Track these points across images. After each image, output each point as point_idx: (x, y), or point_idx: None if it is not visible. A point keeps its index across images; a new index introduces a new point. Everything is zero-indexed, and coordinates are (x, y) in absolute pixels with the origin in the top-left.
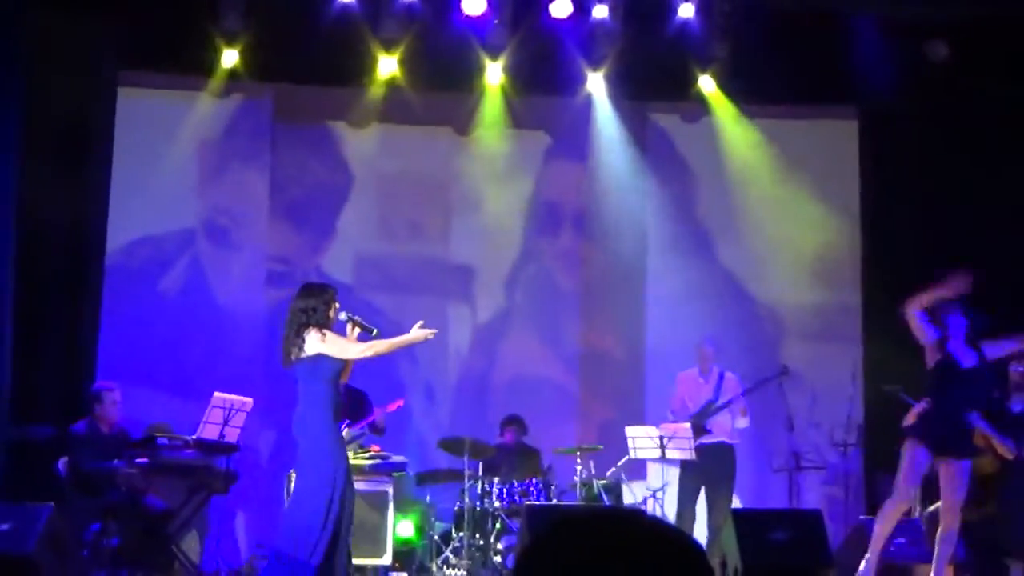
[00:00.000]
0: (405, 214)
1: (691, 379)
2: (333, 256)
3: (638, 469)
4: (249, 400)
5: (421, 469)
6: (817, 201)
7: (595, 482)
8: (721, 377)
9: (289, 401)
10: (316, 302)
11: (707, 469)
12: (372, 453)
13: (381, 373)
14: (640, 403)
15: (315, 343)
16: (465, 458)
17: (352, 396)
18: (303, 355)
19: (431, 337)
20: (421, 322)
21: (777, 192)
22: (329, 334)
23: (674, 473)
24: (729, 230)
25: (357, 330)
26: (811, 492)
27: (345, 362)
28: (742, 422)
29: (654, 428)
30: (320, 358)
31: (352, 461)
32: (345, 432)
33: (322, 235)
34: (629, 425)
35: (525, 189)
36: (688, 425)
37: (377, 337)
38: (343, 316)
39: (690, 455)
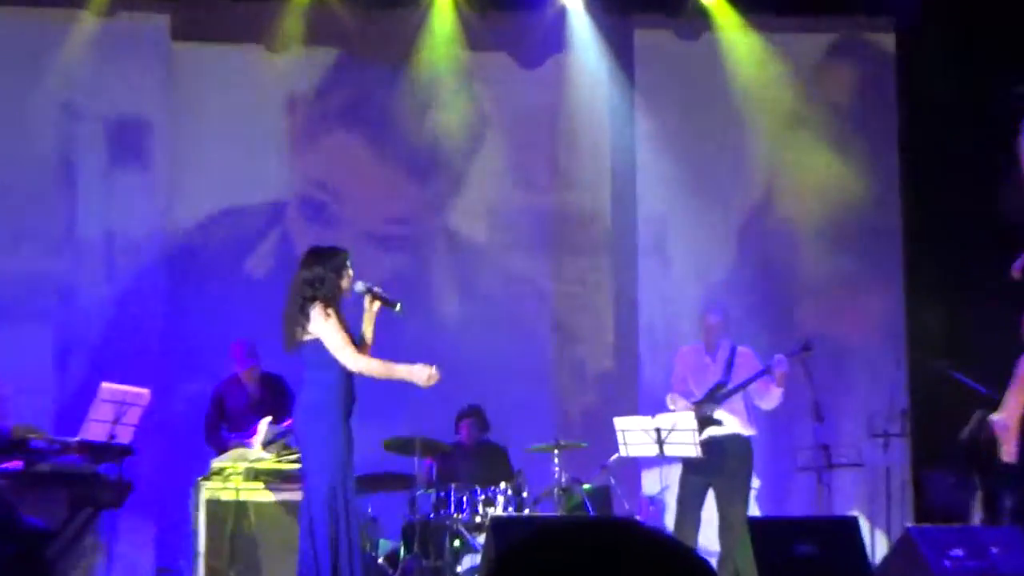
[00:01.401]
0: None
1: (694, 356)
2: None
3: (631, 470)
4: (145, 392)
5: (360, 473)
6: (845, 136)
7: (577, 487)
8: (733, 352)
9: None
10: (324, 270)
11: (717, 468)
12: (299, 456)
13: None
14: (632, 388)
15: (320, 321)
16: (416, 460)
17: (269, 385)
18: (307, 336)
19: (433, 382)
20: (433, 368)
21: (794, 125)
22: (333, 316)
23: (676, 474)
24: (736, 173)
25: (377, 304)
26: (845, 495)
27: (357, 340)
28: (771, 399)
29: (650, 419)
30: (319, 343)
31: (273, 466)
32: (263, 431)
33: None
34: (619, 416)
35: (481, 127)
36: (692, 414)
37: (401, 312)
38: (359, 287)
39: (695, 451)
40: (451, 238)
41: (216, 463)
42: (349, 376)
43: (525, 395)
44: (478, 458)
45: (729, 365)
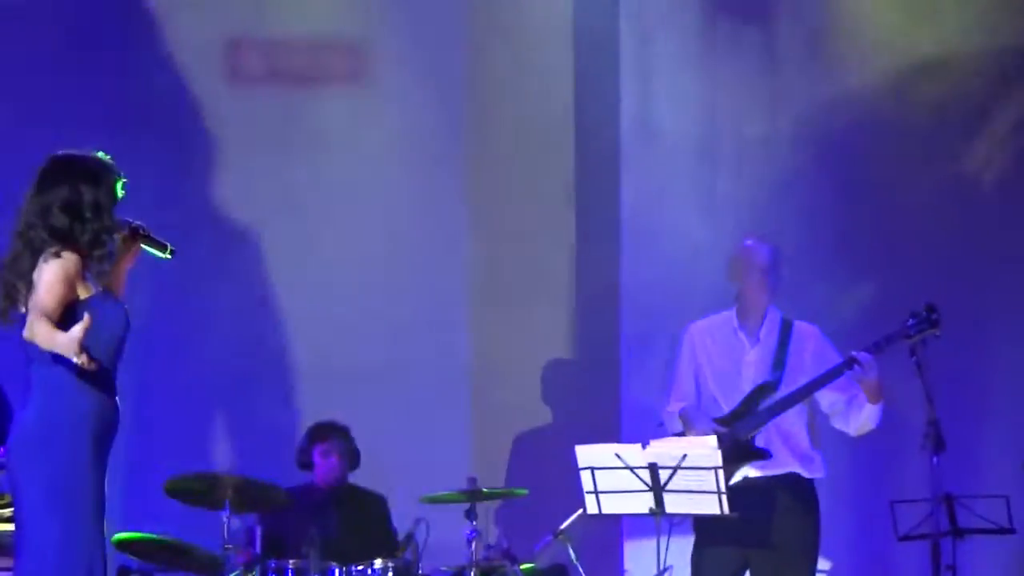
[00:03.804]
0: None
1: (718, 336)
2: None
3: (606, 539)
4: None
5: (129, 527)
6: None
7: (511, 569)
8: (787, 331)
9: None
10: (95, 195)
11: (757, 535)
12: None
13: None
14: (608, 397)
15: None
16: (225, 516)
17: None
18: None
19: (83, 362)
20: (78, 330)
21: None
22: (54, 267)
23: (685, 548)
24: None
25: (136, 246)
26: None
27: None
28: (860, 419)
29: (638, 448)
30: (72, 312)
31: None
32: None
33: None
34: (582, 444)
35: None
36: (714, 439)
37: (169, 258)
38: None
39: (718, 506)
40: None
41: None
42: (107, 374)
43: (421, 407)
44: (339, 514)
45: (781, 352)
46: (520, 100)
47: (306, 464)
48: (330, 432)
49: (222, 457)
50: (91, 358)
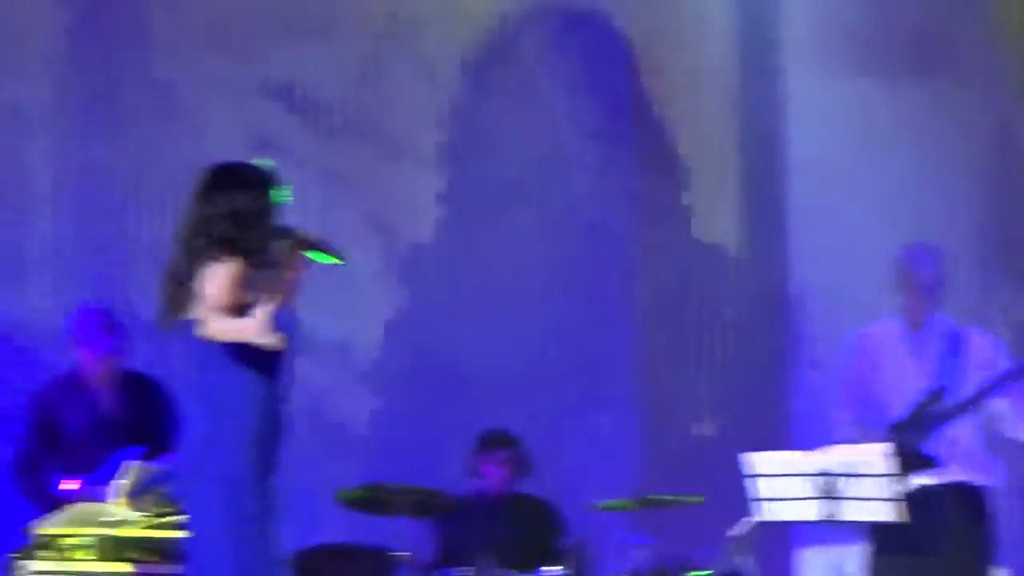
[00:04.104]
0: None
1: (887, 343)
2: None
3: (778, 546)
4: None
5: (304, 544)
6: None
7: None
8: (958, 337)
9: None
10: (241, 199)
11: (932, 543)
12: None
13: None
14: (778, 404)
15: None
16: (397, 522)
17: (134, 391)
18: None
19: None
20: (268, 309)
21: None
22: (222, 268)
23: (855, 556)
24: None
25: (302, 255)
26: None
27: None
28: None
29: (810, 455)
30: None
31: (145, 534)
32: (129, 472)
33: None
34: (753, 451)
35: None
36: (887, 447)
37: (344, 264)
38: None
39: (893, 513)
40: None
41: (43, 528)
42: (271, 383)
43: (591, 416)
44: (510, 521)
45: (950, 359)
46: (687, 101)
47: (475, 474)
48: (499, 444)
49: (392, 465)
50: (279, 334)
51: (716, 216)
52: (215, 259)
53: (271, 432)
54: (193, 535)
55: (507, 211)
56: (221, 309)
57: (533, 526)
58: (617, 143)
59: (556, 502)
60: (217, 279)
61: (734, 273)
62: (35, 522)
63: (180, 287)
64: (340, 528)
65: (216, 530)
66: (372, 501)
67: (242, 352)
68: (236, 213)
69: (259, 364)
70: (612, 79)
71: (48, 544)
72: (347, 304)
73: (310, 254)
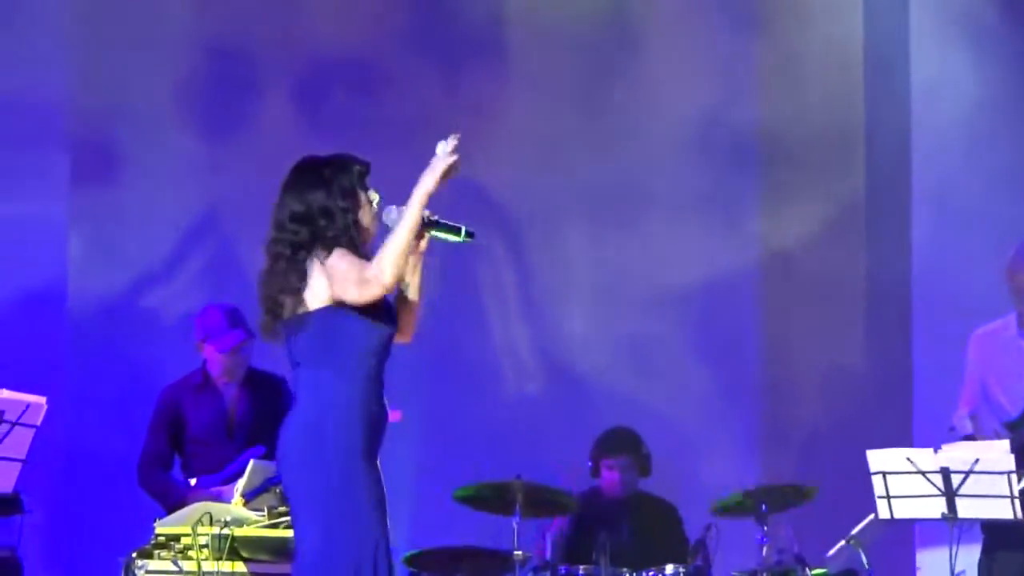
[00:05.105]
0: None
1: (1002, 343)
2: None
3: (900, 544)
4: (39, 400)
5: (414, 548)
6: None
7: (802, 572)
8: None
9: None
10: (328, 196)
11: None
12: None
13: None
14: (900, 401)
15: (324, 281)
16: (514, 521)
17: (261, 389)
18: (303, 308)
19: (452, 157)
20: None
21: None
22: (338, 258)
23: (973, 553)
24: None
25: (425, 239)
26: None
27: (393, 312)
28: None
29: (931, 452)
30: (337, 314)
31: (264, 533)
32: (251, 471)
33: None
34: (875, 448)
35: None
36: (1005, 444)
37: (468, 241)
38: (392, 216)
39: (1011, 510)
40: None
41: (164, 525)
42: (376, 378)
43: (711, 412)
44: (629, 520)
45: None
46: (810, 101)
47: (600, 472)
48: (619, 446)
49: (511, 462)
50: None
51: (844, 214)
52: (323, 255)
53: (372, 424)
54: (299, 537)
55: (629, 207)
56: (359, 269)
57: (654, 525)
58: (743, 139)
59: (677, 500)
60: (335, 266)
61: (860, 270)
62: (157, 521)
63: (279, 292)
64: (457, 529)
65: (306, 525)
66: (492, 499)
67: (344, 352)
68: (303, 214)
69: (354, 362)
70: None
71: (167, 543)
72: (455, 302)
73: (435, 232)
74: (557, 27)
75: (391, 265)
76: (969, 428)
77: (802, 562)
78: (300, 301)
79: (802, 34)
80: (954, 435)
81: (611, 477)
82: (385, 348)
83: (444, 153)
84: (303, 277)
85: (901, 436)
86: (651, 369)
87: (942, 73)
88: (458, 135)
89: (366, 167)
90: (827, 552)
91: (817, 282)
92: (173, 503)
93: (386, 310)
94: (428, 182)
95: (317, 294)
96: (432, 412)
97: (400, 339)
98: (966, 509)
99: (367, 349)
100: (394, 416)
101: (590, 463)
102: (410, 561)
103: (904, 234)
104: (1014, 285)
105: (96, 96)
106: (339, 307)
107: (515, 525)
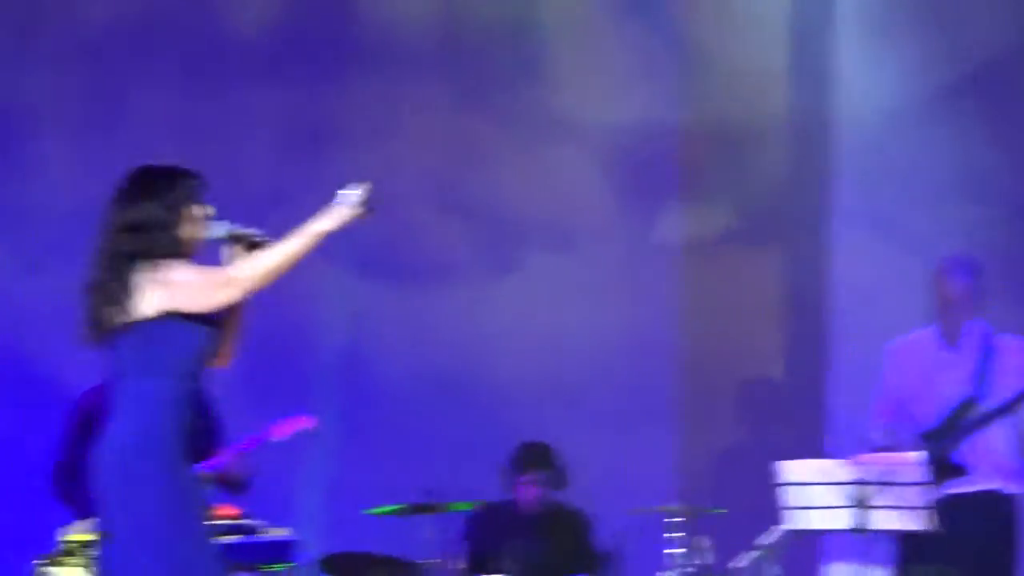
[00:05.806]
0: None
1: (922, 352)
2: None
3: (805, 557)
4: None
5: (329, 550)
6: None
7: None
8: (989, 345)
9: None
10: (157, 207)
11: (962, 553)
12: (222, 521)
13: (259, 364)
14: (812, 413)
15: (156, 292)
16: (428, 530)
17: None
18: (129, 320)
19: (360, 207)
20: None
21: None
22: (177, 269)
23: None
24: None
25: (239, 250)
26: None
27: (216, 329)
28: None
29: (842, 463)
30: (167, 325)
31: None
32: None
33: None
34: (785, 459)
35: None
36: (920, 455)
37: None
38: (221, 231)
39: (925, 521)
40: None
41: (70, 534)
42: (195, 384)
43: (626, 422)
44: (542, 530)
45: (984, 367)
46: (730, 101)
47: (516, 486)
48: (534, 463)
49: (427, 476)
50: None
51: (761, 227)
52: (148, 268)
53: (191, 425)
54: (114, 543)
55: (553, 223)
56: (219, 273)
57: (567, 535)
58: (662, 151)
59: (590, 510)
60: (180, 275)
61: (777, 283)
62: (63, 528)
63: (108, 304)
64: (369, 535)
65: (149, 544)
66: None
67: (169, 361)
68: (136, 223)
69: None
70: None
71: (74, 551)
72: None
73: (250, 245)
74: (466, 30)
75: (262, 277)
76: (883, 441)
77: (712, 572)
78: (126, 312)
79: (722, 34)
80: (868, 446)
81: (526, 493)
82: (212, 351)
83: (351, 204)
84: (130, 288)
85: (816, 447)
86: (569, 379)
87: (865, 76)
88: (369, 186)
89: (200, 179)
90: (736, 563)
91: (735, 288)
92: (82, 511)
93: (212, 317)
94: (327, 225)
95: (146, 305)
96: (346, 424)
97: (219, 363)
98: (878, 520)
99: (196, 355)
100: (306, 423)
101: (507, 478)
102: (322, 565)
103: (824, 240)
104: (941, 294)
105: None
106: (169, 317)
107: (429, 534)
